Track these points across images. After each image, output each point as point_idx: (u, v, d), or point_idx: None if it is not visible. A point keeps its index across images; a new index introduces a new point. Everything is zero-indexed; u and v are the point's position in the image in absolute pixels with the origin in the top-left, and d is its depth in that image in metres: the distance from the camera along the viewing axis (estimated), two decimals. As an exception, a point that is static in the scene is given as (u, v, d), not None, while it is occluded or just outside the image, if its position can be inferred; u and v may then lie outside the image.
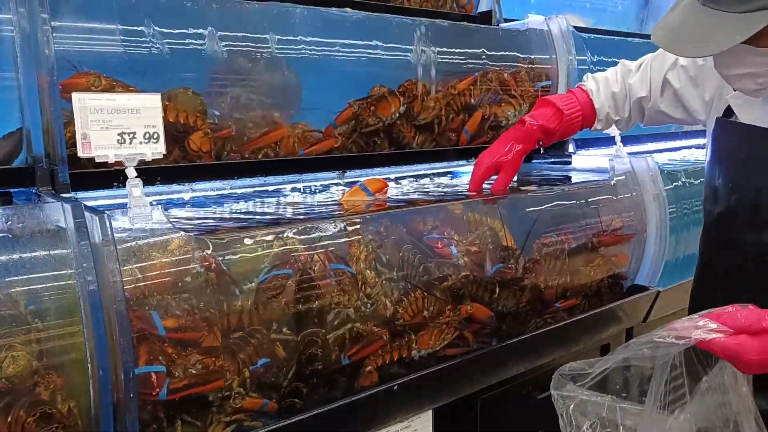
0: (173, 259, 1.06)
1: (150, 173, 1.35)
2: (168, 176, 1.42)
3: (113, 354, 0.92)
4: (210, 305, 1.12)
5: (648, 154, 2.10)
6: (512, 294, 1.56)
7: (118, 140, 1.02)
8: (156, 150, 1.05)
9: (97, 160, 1.01)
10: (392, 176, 1.93)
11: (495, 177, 1.71)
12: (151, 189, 1.43)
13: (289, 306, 1.24)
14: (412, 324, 1.40)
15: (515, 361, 1.65)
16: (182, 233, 1.08)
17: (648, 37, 2.85)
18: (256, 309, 1.19)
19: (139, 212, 1.02)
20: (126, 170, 1.04)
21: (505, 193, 1.71)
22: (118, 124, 1.01)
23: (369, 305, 1.41)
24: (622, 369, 1.05)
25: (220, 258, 1.15)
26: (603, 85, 1.69)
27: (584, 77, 1.77)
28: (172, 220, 1.38)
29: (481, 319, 1.53)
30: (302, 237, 1.32)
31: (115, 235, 1.00)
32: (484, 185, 1.72)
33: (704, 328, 0.96)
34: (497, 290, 1.52)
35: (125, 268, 0.98)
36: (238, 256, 1.18)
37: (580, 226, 1.81)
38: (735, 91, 1.29)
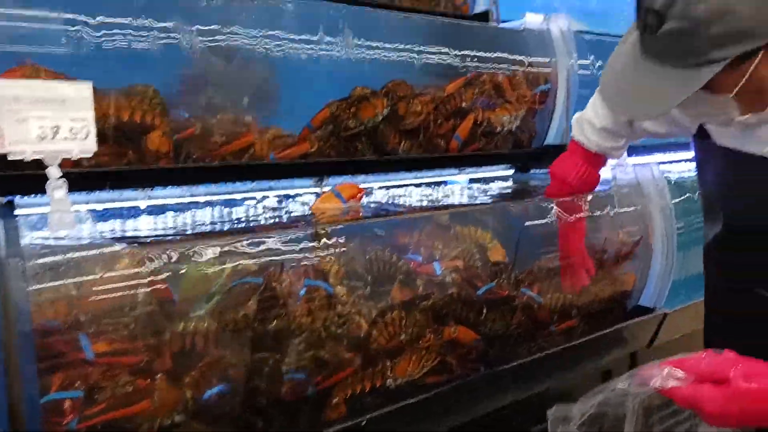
0: (104, 275, 0.91)
1: (96, 177, 1.23)
2: (119, 181, 1.28)
3: (13, 385, 0.78)
4: (144, 326, 0.98)
5: (654, 164, 1.95)
6: (501, 315, 1.41)
7: (39, 135, 0.88)
8: (85, 147, 0.91)
9: (11, 158, 0.87)
10: (376, 185, 1.79)
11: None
12: (103, 195, 1.30)
13: (242, 328, 1.09)
14: (388, 349, 1.25)
15: (506, 389, 1.49)
16: (115, 245, 0.94)
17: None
18: (201, 332, 1.05)
19: (62, 219, 0.88)
20: (48, 170, 0.90)
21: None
22: (38, 115, 0.87)
23: (340, 326, 1.26)
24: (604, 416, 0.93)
25: (161, 273, 1.01)
26: (588, 129, 1.57)
27: (572, 120, 1.66)
28: (121, 230, 1.25)
29: (466, 343, 1.38)
30: (259, 250, 1.17)
31: (33, 246, 0.86)
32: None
33: (664, 375, 0.88)
34: (485, 311, 1.37)
35: (37, 286, 0.84)
36: (179, 270, 1.04)
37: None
38: None
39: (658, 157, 2.42)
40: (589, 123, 1.57)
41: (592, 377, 1.78)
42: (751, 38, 0.90)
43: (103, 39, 1.30)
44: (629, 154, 2.07)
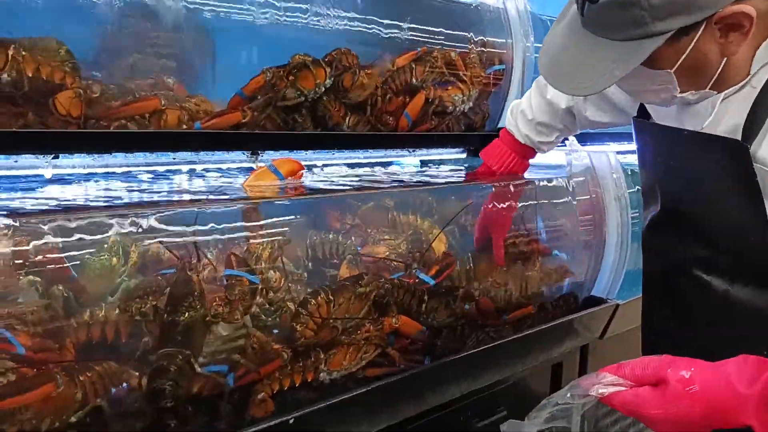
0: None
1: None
2: (17, 144, 1.12)
3: None
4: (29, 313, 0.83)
5: (611, 152, 1.88)
6: (445, 304, 1.30)
7: None
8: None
9: None
10: (319, 163, 1.66)
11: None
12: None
13: (151, 319, 0.95)
14: (320, 339, 1.13)
15: (451, 383, 1.39)
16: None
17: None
18: (103, 323, 0.91)
19: None
20: None
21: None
22: None
23: (269, 315, 1.14)
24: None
25: (50, 252, 0.86)
26: (521, 121, 1.55)
27: (509, 108, 1.64)
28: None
29: (409, 334, 1.27)
30: (179, 228, 1.03)
31: None
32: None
33: (604, 383, 0.87)
34: (426, 299, 1.26)
35: None
36: (79, 251, 0.90)
37: (527, 228, 1.57)
38: None
39: (614, 146, 2.37)
40: (522, 114, 1.54)
41: (542, 371, 1.71)
42: (693, 11, 0.86)
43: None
44: (584, 142, 2.01)
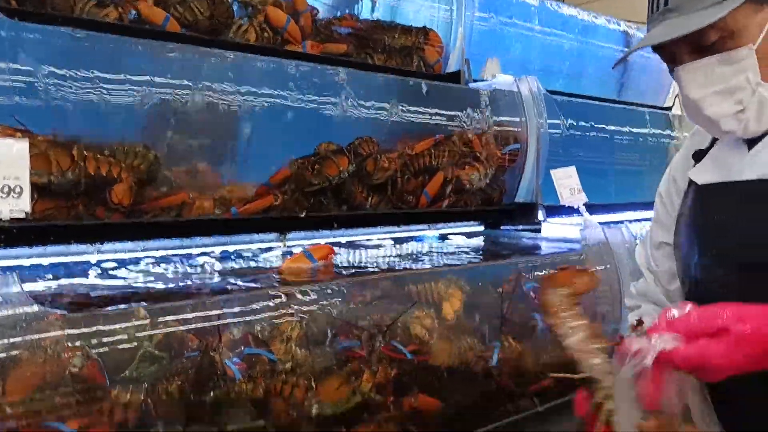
0: (25, 341, 0.85)
1: (40, 231, 1.17)
2: (67, 235, 1.23)
3: None
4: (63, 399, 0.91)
5: (622, 224, 1.94)
6: (467, 379, 1.35)
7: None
8: (17, 207, 0.86)
9: (-64, 214, 0.82)
10: (343, 240, 1.75)
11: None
12: (52, 249, 1.25)
13: (180, 399, 1.03)
14: (339, 416, 1.19)
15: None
16: (37, 307, 0.88)
17: (626, 103, 2.76)
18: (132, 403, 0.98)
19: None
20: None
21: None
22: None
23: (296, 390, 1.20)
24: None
25: (91, 339, 0.95)
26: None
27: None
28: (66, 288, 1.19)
29: (429, 412, 1.31)
30: (214, 312, 1.12)
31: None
32: None
33: (660, 341, 0.82)
34: (446, 376, 1.31)
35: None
36: (111, 338, 0.98)
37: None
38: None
39: (627, 215, 2.42)
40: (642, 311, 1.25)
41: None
42: None
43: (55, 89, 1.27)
44: (594, 212, 2.05)
